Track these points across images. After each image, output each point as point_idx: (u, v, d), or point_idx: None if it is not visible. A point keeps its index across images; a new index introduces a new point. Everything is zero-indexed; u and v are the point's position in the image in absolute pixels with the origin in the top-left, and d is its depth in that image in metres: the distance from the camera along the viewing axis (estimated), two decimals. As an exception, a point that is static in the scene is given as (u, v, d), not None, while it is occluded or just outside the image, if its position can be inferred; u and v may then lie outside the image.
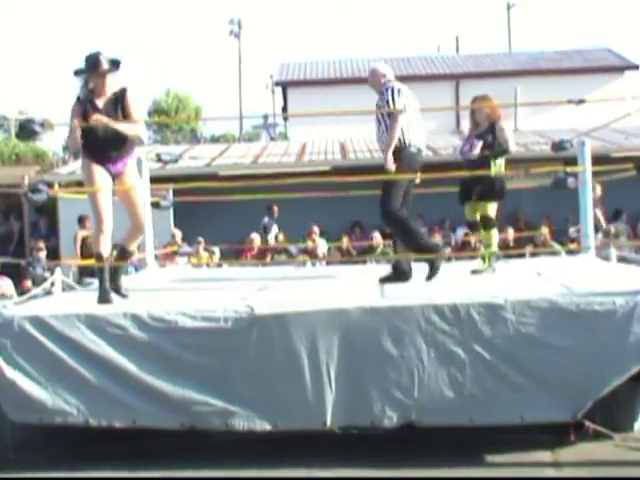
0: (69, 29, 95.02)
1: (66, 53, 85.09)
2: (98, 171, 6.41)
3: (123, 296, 6.57)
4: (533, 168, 10.43)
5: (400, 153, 6.99)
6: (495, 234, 7.94)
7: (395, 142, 6.95)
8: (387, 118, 7.03)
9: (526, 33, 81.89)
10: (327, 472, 5.31)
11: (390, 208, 6.95)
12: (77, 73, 6.48)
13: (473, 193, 7.79)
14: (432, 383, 5.48)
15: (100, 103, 6.41)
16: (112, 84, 6.44)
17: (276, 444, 5.58)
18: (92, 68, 6.34)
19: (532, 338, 5.44)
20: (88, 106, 6.37)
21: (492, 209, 7.90)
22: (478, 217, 7.99)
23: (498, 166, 7.80)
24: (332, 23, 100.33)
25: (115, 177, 6.51)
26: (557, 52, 28.14)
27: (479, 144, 7.73)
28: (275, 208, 16.38)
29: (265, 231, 16.50)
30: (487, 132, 7.84)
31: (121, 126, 6.32)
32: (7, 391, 5.60)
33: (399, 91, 7.05)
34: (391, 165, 6.91)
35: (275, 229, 16.58)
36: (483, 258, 8.15)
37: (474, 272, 7.79)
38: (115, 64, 6.43)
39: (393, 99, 6.97)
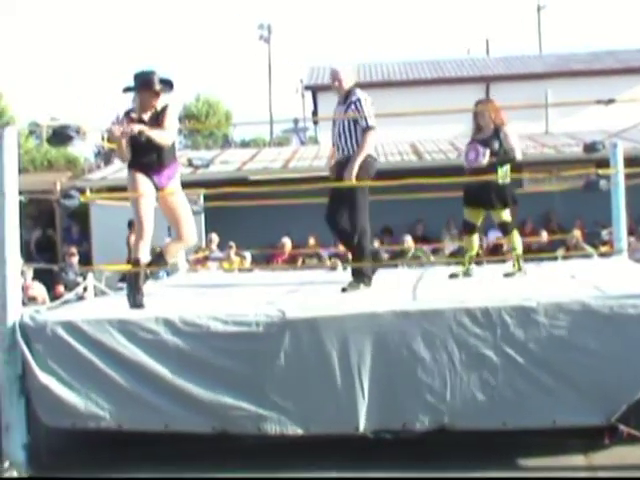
0: (94, 34, 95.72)
1: (90, 57, 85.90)
2: (142, 180, 6.59)
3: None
4: (565, 170, 10.36)
5: (361, 162, 7.03)
6: (517, 236, 7.91)
7: (363, 158, 6.98)
8: (353, 128, 7.03)
9: (557, 35, 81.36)
10: (357, 474, 5.32)
11: (358, 221, 7.03)
12: (127, 90, 6.64)
13: (482, 202, 7.78)
14: (464, 387, 5.45)
15: (146, 117, 6.60)
16: (161, 102, 6.62)
17: (307, 446, 5.58)
18: (146, 87, 6.50)
19: (565, 341, 5.39)
20: (135, 121, 6.53)
21: (507, 214, 7.85)
22: (479, 222, 8.00)
23: (504, 172, 7.68)
24: (362, 27, 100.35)
25: (158, 189, 6.67)
26: (588, 53, 27.88)
27: (487, 152, 7.57)
28: None
29: None
30: (492, 138, 7.68)
31: (151, 132, 6.40)
32: (41, 396, 5.64)
33: (369, 102, 7.03)
34: (353, 178, 6.94)
35: None
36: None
37: (506, 275, 7.75)
38: (169, 85, 6.64)
39: (368, 115, 6.95)
